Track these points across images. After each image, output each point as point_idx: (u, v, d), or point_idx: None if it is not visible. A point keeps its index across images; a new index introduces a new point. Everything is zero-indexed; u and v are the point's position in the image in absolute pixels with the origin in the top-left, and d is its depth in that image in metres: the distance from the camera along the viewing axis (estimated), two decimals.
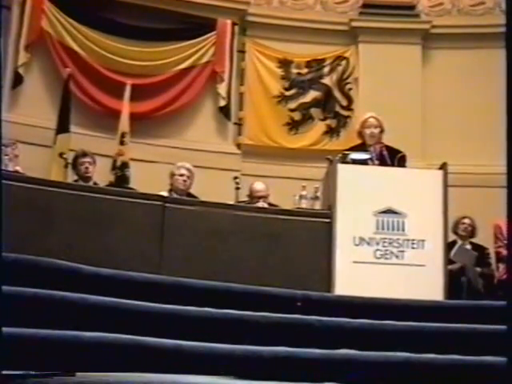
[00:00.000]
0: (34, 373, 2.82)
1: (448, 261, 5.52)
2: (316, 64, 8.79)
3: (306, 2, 8.95)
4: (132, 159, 7.53)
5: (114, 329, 3.10)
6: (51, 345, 2.90)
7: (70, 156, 6.61)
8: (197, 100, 8.45)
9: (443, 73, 8.64)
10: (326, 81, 8.76)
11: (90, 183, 5.99)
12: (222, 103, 8.44)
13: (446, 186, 5.32)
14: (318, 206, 5.67)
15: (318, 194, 5.70)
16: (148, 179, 6.63)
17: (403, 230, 5.22)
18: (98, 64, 8.05)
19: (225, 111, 8.47)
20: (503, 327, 2.31)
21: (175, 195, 5.84)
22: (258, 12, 8.79)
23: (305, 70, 8.77)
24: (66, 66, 7.79)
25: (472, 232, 6.85)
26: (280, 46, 8.76)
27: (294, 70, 8.76)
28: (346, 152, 5.54)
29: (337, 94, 8.76)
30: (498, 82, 2.74)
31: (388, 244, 5.20)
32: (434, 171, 5.50)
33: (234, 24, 8.59)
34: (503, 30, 2.34)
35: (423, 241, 5.22)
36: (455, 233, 6.74)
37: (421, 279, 5.12)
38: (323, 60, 8.78)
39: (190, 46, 8.41)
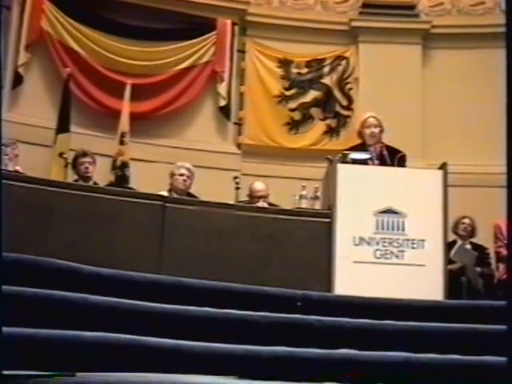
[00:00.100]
0: (34, 373, 2.82)
1: (448, 261, 5.51)
2: (316, 64, 8.78)
3: (306, 2, 8.95)
4: (132, 159, 7.54)
5: (114, 329, 3.10)
6: (51, 345, 2.90)
7: (70, 156, 6.60)
8: (197, 100, 8.45)
9: (443, 73, 8.64)
10: (326, 81, 8.76)
11: (90, 183, 5.98)
12: (222, 103, 8.44)
13: (445, 185, 5.32)
14: (317, 205, 5.66)
15: (318, 193, 5.69)
16: (148, 179, 6.62)
17: (403, 229, 5.22)
18: (98, 64, 8.05)
19: (225, 111, 8.47)
20: (503, 327, 2.32)
21: (175, 195, 5.84)
22: (258, 12, 8.78)
23: (305, 70, 8.77)
24: (66, 65, 7.79)
25: (472, 232, 6.85)
26: (280, 46, 8.75)
27: (294, 70, 8.75)
28: (346, 152, 5.54)
29: (337, 93, 8.75)
30: (498, 82, 2.75)
31: (388, 244, 5.20)
32: (434, 171, 5.50)
33: (234, 24, 8.58)
34: (503, 30, 2.35)
35: (423, 241, 5.22)
36: (455, 233, 6.74)
37: (421, 279, 5.11)
38: (323, 60, 8.78)
39: (190, 45, 8.40)
